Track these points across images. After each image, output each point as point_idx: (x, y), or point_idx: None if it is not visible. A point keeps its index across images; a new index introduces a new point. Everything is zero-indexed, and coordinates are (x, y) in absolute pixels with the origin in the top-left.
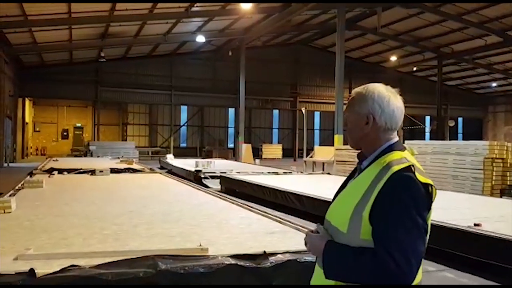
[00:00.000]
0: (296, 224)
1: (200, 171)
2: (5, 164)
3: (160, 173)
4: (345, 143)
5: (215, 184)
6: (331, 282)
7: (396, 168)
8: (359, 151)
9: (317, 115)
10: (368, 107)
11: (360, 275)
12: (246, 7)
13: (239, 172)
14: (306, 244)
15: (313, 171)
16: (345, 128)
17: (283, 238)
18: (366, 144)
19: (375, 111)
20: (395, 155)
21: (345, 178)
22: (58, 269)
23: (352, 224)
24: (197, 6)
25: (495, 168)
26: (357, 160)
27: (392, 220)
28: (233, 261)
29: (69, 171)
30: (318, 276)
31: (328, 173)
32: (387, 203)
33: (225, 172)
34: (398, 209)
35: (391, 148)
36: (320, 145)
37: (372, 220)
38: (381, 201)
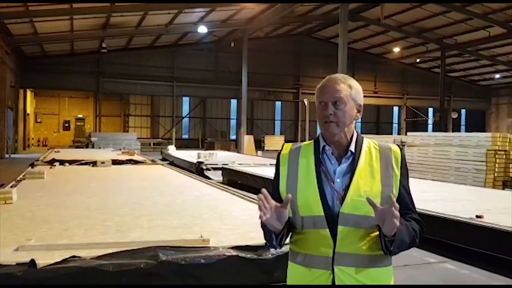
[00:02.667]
0: None
1: (202, 162)
2: (7, 155)
3: (162, 165)
4: None
5: (217, 176)
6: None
7: (395, 147)
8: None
9: None
10: (361, 98)
11: (412, 243)
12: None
13: (241, 164)
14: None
15: None
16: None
17: None
18: (349, 131)
19: (362, 103)
20: (367, 139)
21: None
22: (59, 260)
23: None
24: None
25: (497, 160)
26: None
27: (409, 190)
28: (234, 253)
29: (71, 162)
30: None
31: None
32: (405, 176)
33: (227, 164)
34: (408, 180)
35: (360, 135)
36: None
37: (400, 193)
38: (403, 176)
